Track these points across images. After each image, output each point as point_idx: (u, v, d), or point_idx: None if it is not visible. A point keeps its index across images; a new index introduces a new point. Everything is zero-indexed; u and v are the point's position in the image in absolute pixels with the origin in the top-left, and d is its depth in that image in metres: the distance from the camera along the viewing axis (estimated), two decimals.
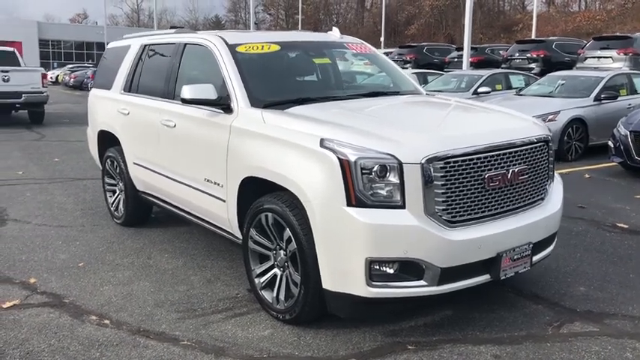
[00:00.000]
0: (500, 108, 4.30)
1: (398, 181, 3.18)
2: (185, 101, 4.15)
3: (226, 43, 4.43)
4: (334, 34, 5.15)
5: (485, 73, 13.24)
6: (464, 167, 3.29)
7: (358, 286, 3.24)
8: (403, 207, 3.20)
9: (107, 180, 6.13)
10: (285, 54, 4.63)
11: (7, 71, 14.40)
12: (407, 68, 20.37)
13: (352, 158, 3.18)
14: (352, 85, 4.86)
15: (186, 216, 4.85)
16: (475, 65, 19.17)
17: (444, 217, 3.26)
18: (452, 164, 3.25)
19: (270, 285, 3.78)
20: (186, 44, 4.86)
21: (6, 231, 5.81)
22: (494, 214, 3.45)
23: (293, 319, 3.63)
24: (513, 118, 4.05)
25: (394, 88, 4.84)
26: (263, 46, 4.52)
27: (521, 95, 11.25)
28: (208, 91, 4.10)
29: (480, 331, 3.58)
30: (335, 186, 3.21)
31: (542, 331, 3.59)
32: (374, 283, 3.23)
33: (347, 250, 3.23)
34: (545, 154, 3.77)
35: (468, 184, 3.31)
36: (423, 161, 3.17)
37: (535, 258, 3.69)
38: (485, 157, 3.37)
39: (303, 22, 71.17)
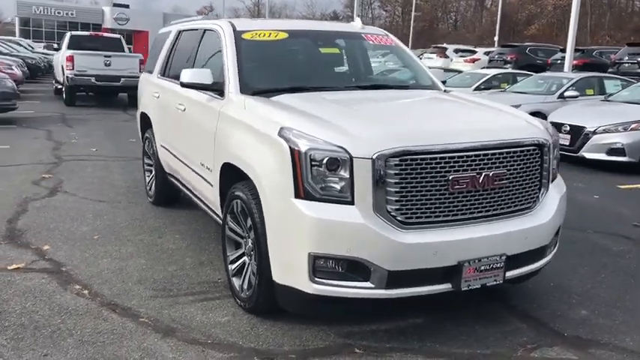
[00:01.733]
0: (503, 108, 3.96)
1: (348, 176, 3.04)
2: (183, 85, 4.22)
3: (234, 30, 4.45)
4: (355, 25, 5.02)
5: (575, 76, 12.31)
6: (423, 166, 3.07)
7: (302, 281, 3.14)
8: (352, 203, 3.05)
9: (146, 160, 6.39)
10: (291, 42, 4.57)
11: (109, 56, 15.45)
12: (506, 68, 19.46)
13: (303, 149, 3.08)
14: (359, 76, 4.70)
15: (193, 198, 4.94)
16: (579, 68, 17.91)
17: (398, 218, 3.07)
18: (408, 162, 3.05)
19: (239, 272, 3.76)
20: (205, 30, 4.94)
21: (51, 201, 6.23)
22: (459, 220, 3.19)
23: (251, 309, 3.59)
24: (504, 119, 3.74)
25: (404, 82, 4.64)
26: (271, 34, 4.49)
27: (608, 101, 10.36)
28: (204, 76, 4.14)
29: (440, 344, 3.34)
30: (285, 176, 3.13)
31: (510, 352, 3.29)
32: (317, 279, 3.11)
33: (293, 242, 3.14)
34: (537, 159, 3.43)
35: (427, 184, 3.09)
36: (374, 157, 3.00)
37: (512, 272, 3.38)
38: (451, 158, 3.12)
39: (419, 18, 70.22)
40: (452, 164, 3.12)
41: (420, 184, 3.08)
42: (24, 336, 3.30)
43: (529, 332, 3.54)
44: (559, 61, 18.97)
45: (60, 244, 4.86)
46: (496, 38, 44.29)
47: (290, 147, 3.11)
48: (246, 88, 4.02)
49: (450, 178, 3.11)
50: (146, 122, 6.21)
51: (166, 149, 5.48)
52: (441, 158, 3.10)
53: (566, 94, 11.32)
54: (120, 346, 3.23)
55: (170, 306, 3.75)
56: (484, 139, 3.23)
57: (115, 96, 17.35)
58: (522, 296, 4.02)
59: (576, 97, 11.17)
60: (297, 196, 3.09)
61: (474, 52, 25.66)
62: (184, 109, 4.78)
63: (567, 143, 9.06)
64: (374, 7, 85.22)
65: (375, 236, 3.02)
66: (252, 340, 3.34)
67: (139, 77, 15.40)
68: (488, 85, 14.24)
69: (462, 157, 3.14)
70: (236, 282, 3.77)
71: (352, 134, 3.12)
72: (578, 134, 8.99)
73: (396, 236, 3.04)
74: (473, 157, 3.17)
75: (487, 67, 20.60)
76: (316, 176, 3.06)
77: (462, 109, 4.03)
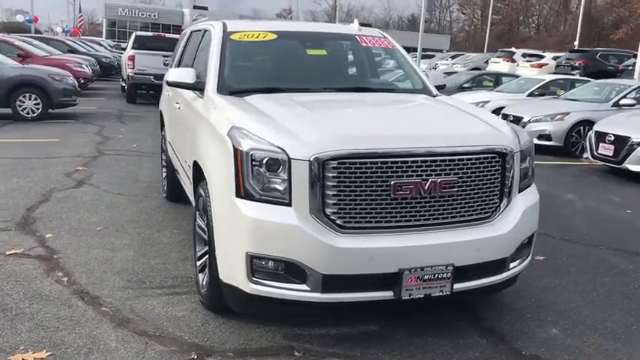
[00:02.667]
0: (480, 114, 3.80)
1: (286, 178, 3.03)
2: (168, 83, 4.34)
3: (224, 30, 4.54)
4: (352, 27, 4.98)
5: (635, 84, 11.61)
6: (363, 170, 3.01)
7: (241, 281, 3.16)
8: (289, 205, 3.04)
9: (163, 156, 6.60)
10: (278, 43, 4.58)
11: (167, 56, 15.99)
12: (574, 74, 18.63)
13: (245, 148, 3.10)
14: (343, 78, 4.65)
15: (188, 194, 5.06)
16: None
17: (337, 222, 3.03)
18: (347, 165, 3.00)
19: (203, 269, 3.82)
20: (205, 30, 5.05)
21: (74, 193, 6.55)
22: (402, 227, 3.11)
23: (208, 306, 3.65)
24: (468, 125, 3.60)
25: (390, 85, 4.55)
26: (259, 35, 4.53)
27: None
28: (188, 75, 4.25)
29: (383, 353, 3.27)
30: (229, 175, 3.16)
31: None
32: (255, 279, 3.12)
33: (233, 242, 3.16)
34: (497, 168, 3.29)
35: (367, 189, 3.03)
36: (311, 158, 2.98)
37: (462, 285, 3.25)
38: (394, 163, 3.04)
39: (499, 22, 68.30)
40: (394, 169, 3.04)
41: (360, 189, 3.02)
42: None
43: (485, 348, 3.39)
44: (630, 68, 17.94)
45: (62, 233, 5.11)
46: (576, 43, 42.33)
47: (234, 146, 3.14)
48: (223, 88, 4.08)
49: (392, 183, 3.04)
50: (161, 120, 6.42)
51: (171, 146, 5.64)
52: (382, 163, 3.03)
53: (622, 102, 10.72)
54: (71, 332, 3.37)
55: (136, 297, 3.87)
56: (430, 145, 3.13)
57: None
58: (494, 310, 3.87)
59: (633, 105, 10.55)
60: (238, 195, 3.12)
61: (542, 57, 24.69)
62: (179, 108, 4.91)
63: (610, 154, 8.61)
64: (452, 10, 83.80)
65: (309, 239, 2.99)
66: (198, 335, 3.39)
67: None
68: (544, 91, 13.66)
69: (406, 162, 3.06)
70: (200, 278, 3.83)
71: (296, 136, 3.10)
72: (623, 145, 8.50)
73: (331, 240, 3.00)
74: (419, 163, 3.08)
75: (553, 73, 19.76)
76: (257, 176, 3.07)
77: (430, 115, 3.92)
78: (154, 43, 17.43)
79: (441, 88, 4.91)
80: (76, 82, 13.28)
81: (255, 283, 3.12)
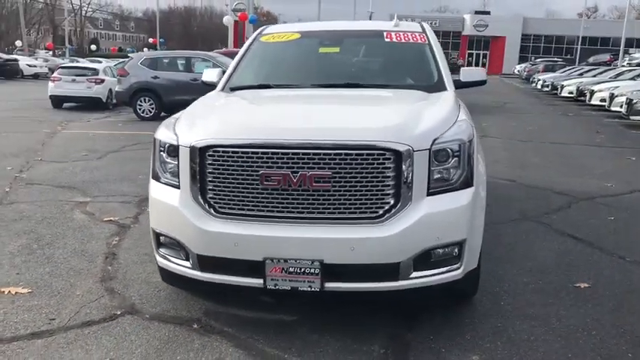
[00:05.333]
0: (413, 109, 3.58)
1: (176, 163, 3.35)
2: (203, 83, 4.92)
3: (259, 32, 4.95)
4: (389, 23, 4.92)
5: None
6: (235, 159, 3.15)
7: (154, 254, 3.58)
8: (178, 187, 3.35)
9: None
10: (297, 43, 4.77)
11: None
12: None
13: (156, 135, 3.51)
14: (341, 74, 4.56)
15: None
16: None
17: (214, 206, 3.24)
18: (220, 154, 3.17)
19: None
20: None
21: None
22: (270, 217, 3.15)
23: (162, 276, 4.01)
24: (369, 121, 3.39)
25: (388, 81, 4.35)
26: (284, 36, 4.82)
27: None
28: (213, 75, 4.78)
29: (267, 340, 3.32)
30: (152, 160, 3.60)
31: None
32: (160, 252, 3.51)
33: (149, 218, 3.60)
34: (388, 166, 3.06)
35: (239, 177, 3.15)
36: (190, 146, 3.25)
37: (337, 284, 3.12)
38: (264, 153, 3.11)
39: None
40: (265, 160, 3.11)
41: (232, 177, 3.16)
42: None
43: (375, 357, 3.18)
44: None
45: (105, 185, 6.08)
46: None
47: (155, 135, 3.57)
48: (229, 85, 4.50)
49: (261, 173, 3.11)
50: None
51: None
52: (253, 153, 3.12)
53: None
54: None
55: (50, 273, 4.54)
56: (300, 138, 3.09)
57: None
58: (437, 325, 3.52)
59: None
60: (153, 177, 3.54)
61: None
62: None
63: None
64: None
65: (184, 220, 3.26)
66: (142, 298, 3.89)
67: None
68: None
69: (276, 154, 3.10)
70: None
71: (196, 126, 3.39)
72: None
73: (202, 223, 3.21)
74: (290, 155, 3.08)
75: None
76: (161, 161, 3.45)
77: (353, 110, 3.81)
78: None
79: (478, 84, 4.55)
80: None
81: (160, 256, 3.51)
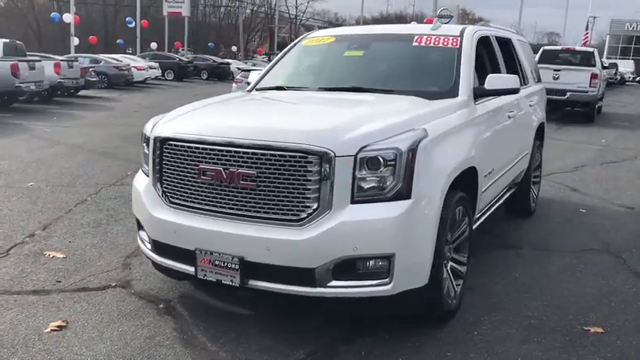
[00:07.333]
0: (347, 112, 3.61)
1: (147, 152, 3.67)
2: (247, 84, 5.22)
3: (303, 37, 5.10)
4: (424, 27, 4.70)
5: None
6: (182, 153, 3.36)
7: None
8: (147, 176, 3.67)
9: None
10: (329, 47, 4.78)
11: (558, 70, 15.37)
12: None
13: (143, 129, 3.86)
14: (353, 78, 4.39)
15: None
16: None
17: (166, 195, 3.49)
18: (173, 147, 3.41)
19: None
20: None
21: None
22: (205, 210, 3.29)
23: None
24: (301, 122, 3.43)
25: (396, 87, 4.13)
26: (322, 39, 4.89)
27: None
28: (253, 76, 5.06)
29: (215, 324, 3.49)
30: None
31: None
32: (138, 235, 3.87)
33: None
34: (306, 170, 3.01)
35: (185, 170, 3.36)
36: (153, 138, 3.54)
37: (257, 283, 3.17)
38: (204, 149, 3.26)
39: None
40: (204, 155, 3.27)
41: (179, 169, 3.39)
42: None
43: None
44: None
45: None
46: None
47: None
48: (258, 86, 4.74)
49: (200, 168, 3.28)
50: None
51: None
52: (195, 148, 3.30)
53: None
54: None
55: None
56: (231, 136, 3.18)
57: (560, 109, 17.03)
58: (380, 341, 3.35)
59: None
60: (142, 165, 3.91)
61: None
62: None
63: None
64: None
65: (142, 205, 3.59)
66: (127, 273, 4.30)
67: (587, 92, 15.10)
68: None
69: (213, 150, 3.24)
70: None
71: (170, 120, 3.66)
72: None
73: (154, 210, 3.49)
74: (224, 152, 3.20)
75: None
76: (143, 151, 3.80)
77: (308, 111, 3.87)
78: (562, 57, 16.90)
79: (507, 92, 4.19)
80: None
81: (139, 239, 3.87)
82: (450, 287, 3.61)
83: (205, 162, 3.26)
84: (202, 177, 3.27)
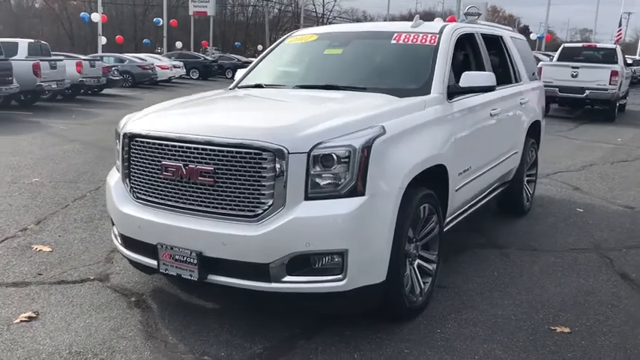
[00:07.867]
0: (307, 111, 3.64)
1: (118, 149, 3.75)
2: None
3: (291, 34, 5.15)
4: (406, 24, 4.68)
5: None
6: (147, 149, 3.43)
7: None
8: (119, 172, 3.76)
9: None
10: (310, 45, 4.80)
11: (577, 67, 15.09)
12: None
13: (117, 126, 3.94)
14: (328, 75, 4.43)
15: None
16: None
17: (133, 190, 3.57)
18: (139, 143, 3.49)
19: None
20: None
21: None
22: (167, 205, 3.36)
23: None
24: (260, 119, 3.50)
25: (369, 84, 4.13)
26: (305, 37, 4.92)
27: None
28: (238, 75, 5.11)
29: (176, 317, 3.55)
30: None
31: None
32: (112, 230, 3.96)
33: None
34: (260, 167, 3.05)
35: (149, 166, 3.44)
36: (122, 134, 3.62)
37: (217, 277, 3.23)
38: (166, 145, 3.32)
39: None
40: (166, 152, 3.33)
41: (144, 165, 3.46)
42: None
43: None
44: None
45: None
46: None
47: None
48: (241, 82, 4.80)
49: (162, 163, 3.35)
50: None
51: None
52: (159, 144, 3.37)
53: None
54: None
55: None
56: (186, 133, 3.26)
57: (580, 107, 16.74)
58: (342, 337, 3.37)
59: None
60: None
61: None
62: None
63: None
64: None
65: (111, 200, 3.69)
66: (119, 266, 4.39)
67: (607, 90, 14.79)
68: None
69: (174, 146, 3.30)
70: None
71: (139, 117, 3.74)
72: None
73: (121, 204, 3.57)
74: (184, 149, 3.25)
75: None
76: (116, 148, 3.88)
77: (267, 108, 3.94)
78: (584, 54, 16.60)
79: (482, 90, 4.17)
80: None
81: (112, 233, 3.96)
82: (416, 285, 3.61)
83: (167, 158, 3.33)
84: (164, 173, 3.34)
